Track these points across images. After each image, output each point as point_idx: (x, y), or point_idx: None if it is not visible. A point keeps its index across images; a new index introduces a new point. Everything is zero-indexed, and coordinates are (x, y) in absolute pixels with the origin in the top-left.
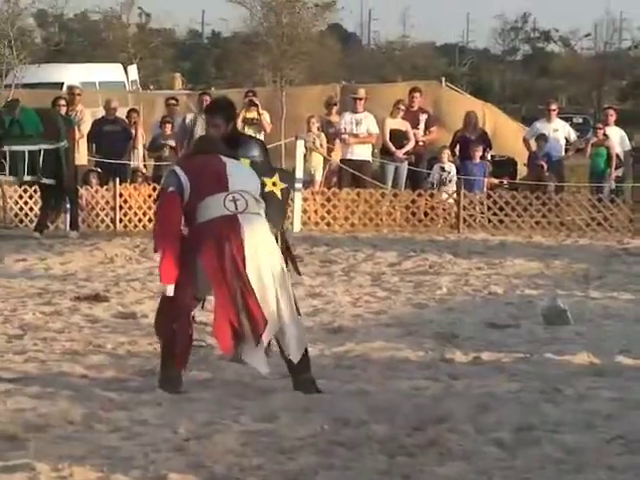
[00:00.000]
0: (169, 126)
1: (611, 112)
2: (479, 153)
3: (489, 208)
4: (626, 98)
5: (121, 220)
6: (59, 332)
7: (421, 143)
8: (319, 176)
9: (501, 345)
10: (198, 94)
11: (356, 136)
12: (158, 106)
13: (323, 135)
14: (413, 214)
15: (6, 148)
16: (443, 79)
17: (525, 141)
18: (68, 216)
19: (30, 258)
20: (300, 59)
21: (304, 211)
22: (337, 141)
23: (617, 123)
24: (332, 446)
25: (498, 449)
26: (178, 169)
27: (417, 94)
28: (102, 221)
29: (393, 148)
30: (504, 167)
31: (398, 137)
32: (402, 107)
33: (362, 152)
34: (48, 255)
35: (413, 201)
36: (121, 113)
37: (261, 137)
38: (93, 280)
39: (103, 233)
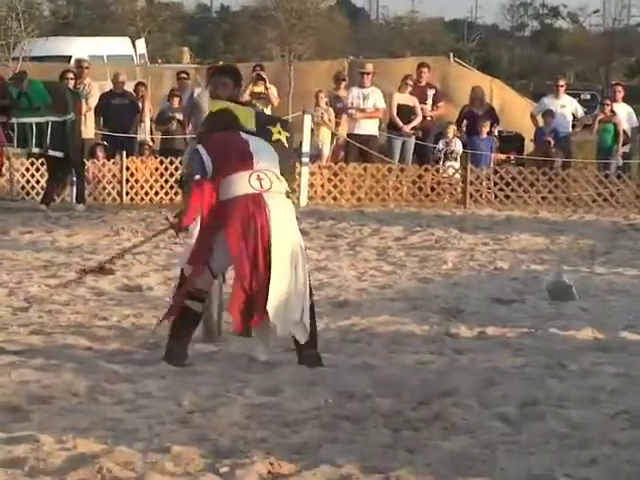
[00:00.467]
0: (177, 99)
1: (619, 88)
2: (486, 128)
3: (495, 183)
4: (634, 74)
5: (127, 193)
6: (64, 304)
7: (429, 118)
8: (326, 150)
9: (506, 320)
10: (206, 68)
11: (363, 111)
12: (166, 80)
13: (331, 110)
14: (420, 189)
15: (14, 120)
16: (451, 54)
17: (532, 117)
18: (74, 189)
19: (36, 231)
20: (308, 34)
21: (311, 185)
22: (344, 116)
23: (625, 99)
24: (336, 420)
25: (502, 424)
26: (201, 148)
27: (425, 69)
28: (109, 194)
29: (400, 123)
30: (511, 143)
31: (406, 112)
32: (410, 82)
33: (369, 127)
34: (54, 228)
35: (420, 176)
36: (129, 87)
37: (268, 111)
38: (99, 253)
39: (109, 206)
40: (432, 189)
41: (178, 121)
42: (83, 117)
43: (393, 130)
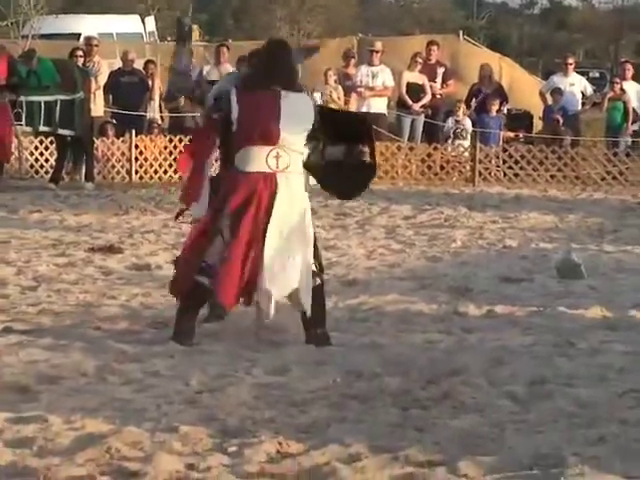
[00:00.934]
0: None
1: (628, 66)
2: (495, 106)
3: (504, 162)
4: None
5: (137, 172)
6: (73, 284)
7: (438, 96)
8: None
9: (515, 299)
10: (215, 46)
11: (372, 89)
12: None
13: (340, 88)
14: (429, 167)
15: (22, 98)
16: (461, 32)
17: (541, 95)
18: (83, 167)
19: (45, 209)
20: (317, 12)
21: None
22: (353, 94)
23: (634, 77)
24: (345, 399)
25: (511, 402)
26: (234, 100)
27: (435, 47)
28: (117, 173)
29: (410, 101)
30: (520, 121)
31: (415, 90)
32: (420, 60)
33: (378, 105)
34: (63, 207)
35: (429, 154)
36: (138, 64)
37: None
38: (107, 232)
39: (118, 185)
40: (441, 167)
41: (187, 98)
42: (92, 95)
43: (402, 108)
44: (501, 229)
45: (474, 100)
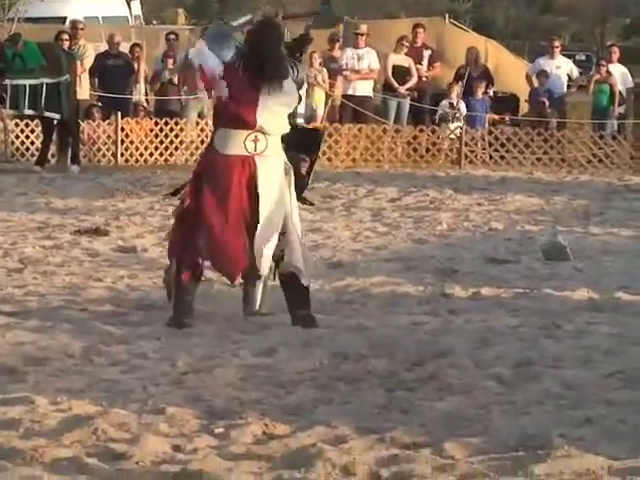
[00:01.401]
0: (171, 61)
1: (614, 49)
2: (481, 89)
3: (490, 144)
4: (629, 35)
5: (122, 154)
6: (59, 266)
7: (424, 79)
8: (320, 111)
9: (501, 280)
10: (201, 29)
11: (358, 72)
12: (161, 41)
13: (325, 70)
14: (414, 150)
15: (7, 82)
16: (447, 15)
17: (528, 77)
18: (69, 150)
19: (31, 192)
20: None
21: None
22: (339, 77)
23: (620, 60)
24: (331, 381)
25: (497, 384)
26: (221, 75)
27: (420, 30)
28: (103, 155)
29: (396, 84)
30: (506, 103)
31: (401, 73)
32: (406, 43)
33: (364, 88)
34: (49, 189)
35: (415, 137)
36: (124, 48)
37: None
38: (93, 214)
39: (104, 167)
40: (427, 150)
41: (171, 83)
42: (78, 78)
43: (388, 91)
44: (487, 211)
45: (460, 83)
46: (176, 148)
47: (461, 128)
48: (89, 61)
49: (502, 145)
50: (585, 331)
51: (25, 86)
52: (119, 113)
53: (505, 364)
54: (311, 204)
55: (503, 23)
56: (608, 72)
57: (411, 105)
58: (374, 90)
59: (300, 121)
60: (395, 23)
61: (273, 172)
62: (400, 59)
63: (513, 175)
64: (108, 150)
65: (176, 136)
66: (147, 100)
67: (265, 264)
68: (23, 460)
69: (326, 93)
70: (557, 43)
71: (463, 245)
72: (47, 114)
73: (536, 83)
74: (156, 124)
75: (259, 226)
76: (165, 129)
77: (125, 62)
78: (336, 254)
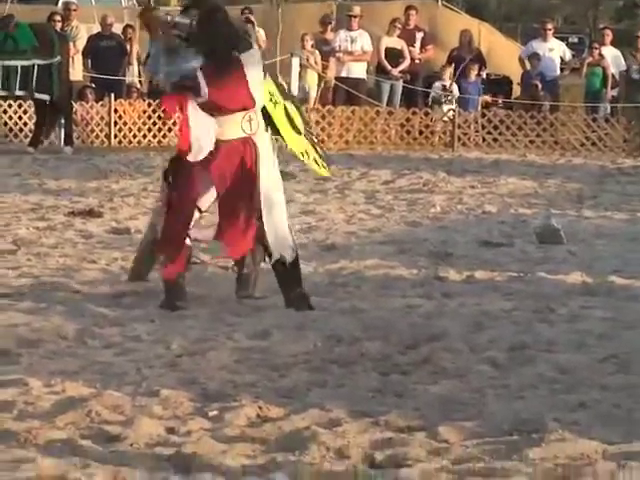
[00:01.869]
0: None
1: (607, 32)
2: (474, 72)
3: (484, 127)
4: (621, 18)
5: (116, 136)
6: (53, 247)
7: (417, 61)
8: (313, 93)
9: (494, 264)
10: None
11: (351, 54)
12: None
13: (317, 52)
14: (408, 132)
15: None
16: None
17: (521, 60)
18: (62, 131)
19: (24, 173)
20: None
21: None
22: (332, 59)
23: (613, 43)
24: (325, 363)
25: (491, 368)
26: (201, 78)
27: (413, 12)
28: (97, 137)
29: (389, 66)
30: (499, 86)
31: (394, 55)
32: (398, 25)
33: (357, 70)
34: (42, 170)
35: (408, 119)
36: (117, 29)
37: None
38: (87, 196)
39: (98, 149)
40: (420, 132)
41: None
42: (71, 59)
43: (381, 73)
44: (480, 194)
45: (453, 66)
46: (169, 130)
47: (454, 110)
48: (82, 42)
49: (495, 128)
50: (579, 315)
51: (17, 67)
52: (112, 94)
53: (499, 348)
54: (293, 177)
55: (496, 5)
56: (601, 55)
57: (404, 87)
58: (367, 72)
59: None
60: (388, 5)
61: (267, 149)
62: (393, 41)
63: (506, 158)
64: (101, 131)
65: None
66: (140, 82)
67: (285, 245)
68: (17, 442)
69: (319, 75)
70: (550, 26)
71: (457, 228)
72: (37, 95)
73: (529, 66)
74: (149, 105)
75: (265, 208)
76: (158, 111)
77: (118, 43)
78: (330, 237)
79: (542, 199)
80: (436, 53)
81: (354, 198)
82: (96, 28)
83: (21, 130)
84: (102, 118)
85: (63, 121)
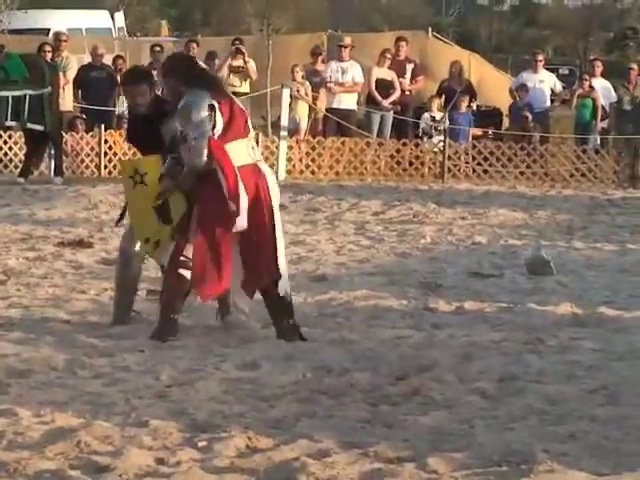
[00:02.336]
0: (155, 72)
1: (598, 63)
2: (465, 103)
3: (474, 158)
4: (612, 50)
5: (106, 166)
6: (42, 278)
7: (407, 92)
8: (304, 124)
9: (484, 295)
10: (185, 41)
11: (342, 85)
12: (144, 53)
13: (307, 83)
14: (398, 163)
15: None
16: (430, 29)
17: (511, 92)
18: (52, 162)
19: (14, 203)
20: (287, 7)
21: (289, 159)
22: (322, 90)
23: (603, 75)
24: (314, 394)
25: (481, 399)
26: (218, 113)
27: (403, 43)
28: (87, 167)
29: (379, 97)
30: (490, 117)
31: (384, 86)
32: (388, 56)
33: (348, 101)
34: (32, 201)
35: (398, 150)
36: (107, 60)
37: (247, 85)
38: (77, 226)
39: (88, 179)
40: (410, 163)
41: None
42: (62, 90)
43: (371, 104)
44: (470, 225)
45: (443, 97)
46: None
47: (443, 141)
48: (72, 73)
49: (485, 159)
50: (568, 346)
51: (8, 97)
52: (102, 125)
53: (489, 379)
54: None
55: (486, 37)
56: (591, 86)
57: (394, 118)
58: (358, 103)
59: (284, 134)
60: (378, 37)
61: (272, 176)
62: (383, 72)
63: (496, 189)
64: (91, 162)
65: None
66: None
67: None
68: (6, 472)
69: (309, 106)
70: (540, 57)
71: (447, 259)
72: (30, 126)
73: (517, 97)
74: None
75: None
76: None
77: (108, 74)
78: (320, 267)
79: (532, 230)
80: (426, 84)
81: (344, 229)
82: (87, 58)
83: (11, 161)
84: (92, 149)
85: (53, 151)
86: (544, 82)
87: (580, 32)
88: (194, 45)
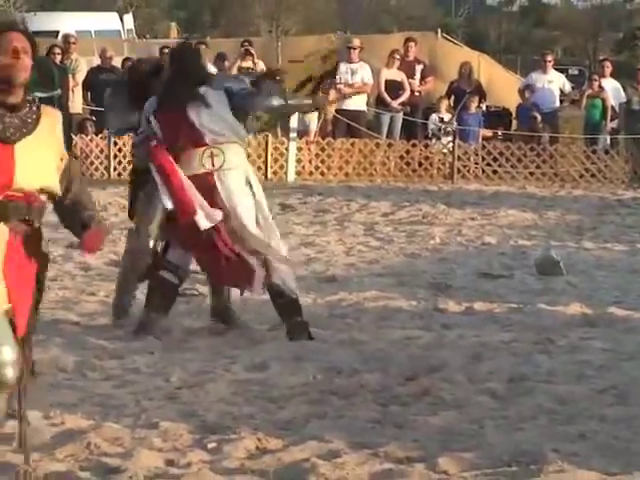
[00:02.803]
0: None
1: (607, 64)
2: (474, 104)
3: (483, 159)
4: (621, 50)
5: (115, 168)
6: (52, 280)
7: (417, 93)
8: (314, 126)
9: (494, 295)
10: (194, 44)
11: (351, 86)
12: (153, 55)
13: None
14: (407, 164)
15: None
16: (439, 30)
17: (520, 92)
18: None
19: None
20: (296, 9)
21: (298, 161)
22: (332, 91)
23: (613, 75)
24: (324, 395)
25: (491, 399)
26: (153, 121)
27: (412, 44)
28: (96, 169)
29: (388, 99)
30: (499, 118)
31: (393, 87)
32: (398, 57)
33: (357, 102)
34: None
35: (407, 151)
36: (116, 62)
37: None
38: None
39: (97, 181)
40: (419, 164)
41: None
42: (71, 92)
43: (381, 105)
44: (480, 226)
45: (453, 98)
46: None
47: (452, 142)
48: (81, 75)
49: (495, 159)
50: (578, 346)
51: None
52: None
53: (499, 379)
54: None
55: (496, 37)
56: (600, 87)
57: (404, 119)
58: (367, 104)
59: (294, 135)
60: (387, 38)
61: (233, 186)
62: (392, 73)
63: (506, 190)
64: (101, 164)
65: None
66: None
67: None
68: (16, 474)
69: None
70: (550, 57)
71: (456, 260)
72: None
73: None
74: None
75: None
76: None
77: (117, 76)
78: (329, 268)
79: (542, 231)
80: (436, 85)
81: (353, 230)
82: (96, 61)
83: None
84: (102, 151)
85: None
86: (553, 82)
87: (589, 32)
88: (203, 47)
